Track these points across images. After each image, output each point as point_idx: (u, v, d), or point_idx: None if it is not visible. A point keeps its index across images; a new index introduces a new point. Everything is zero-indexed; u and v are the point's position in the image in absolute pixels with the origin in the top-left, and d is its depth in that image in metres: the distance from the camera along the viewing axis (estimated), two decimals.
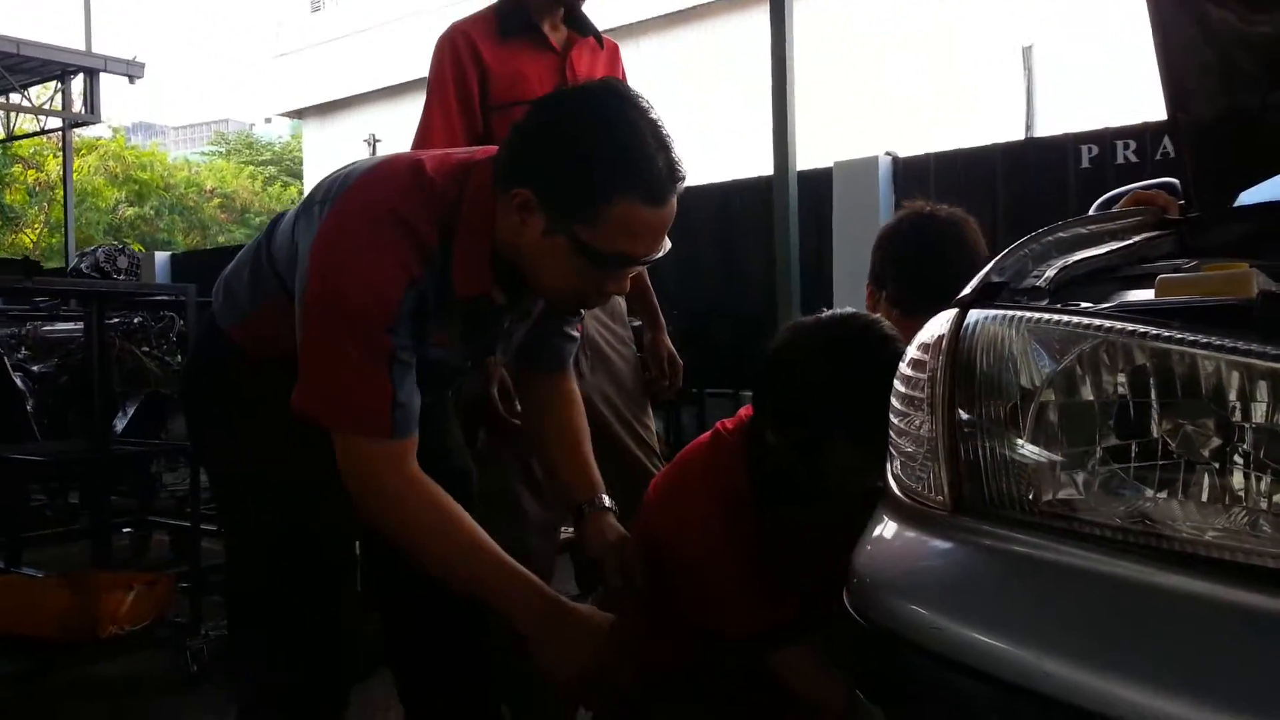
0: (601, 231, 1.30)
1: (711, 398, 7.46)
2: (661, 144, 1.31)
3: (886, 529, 1.01)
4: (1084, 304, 0.97)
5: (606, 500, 1.71)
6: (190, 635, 3.13)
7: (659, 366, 2.43)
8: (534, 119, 1.36)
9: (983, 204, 4.89)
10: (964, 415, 0.92)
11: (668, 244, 1.37)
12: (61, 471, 4.20)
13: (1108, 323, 0.87)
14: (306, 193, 1.50)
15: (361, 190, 1.40)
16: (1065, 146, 5.09)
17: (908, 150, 5.80)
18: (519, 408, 2.10)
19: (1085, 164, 5.02)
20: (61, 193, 12.66)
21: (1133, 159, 4.86)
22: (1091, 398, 0.86)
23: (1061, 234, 1.24)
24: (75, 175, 15.05)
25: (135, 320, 4.43)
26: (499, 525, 2.16)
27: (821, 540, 1.64)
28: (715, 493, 1.55)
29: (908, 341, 1.84)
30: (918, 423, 0.99)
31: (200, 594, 3.25)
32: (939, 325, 1.02)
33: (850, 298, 1.74)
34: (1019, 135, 9.08)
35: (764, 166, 5.33)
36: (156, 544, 5.07)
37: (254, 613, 1.57)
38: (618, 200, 1.28)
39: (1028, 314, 0.92)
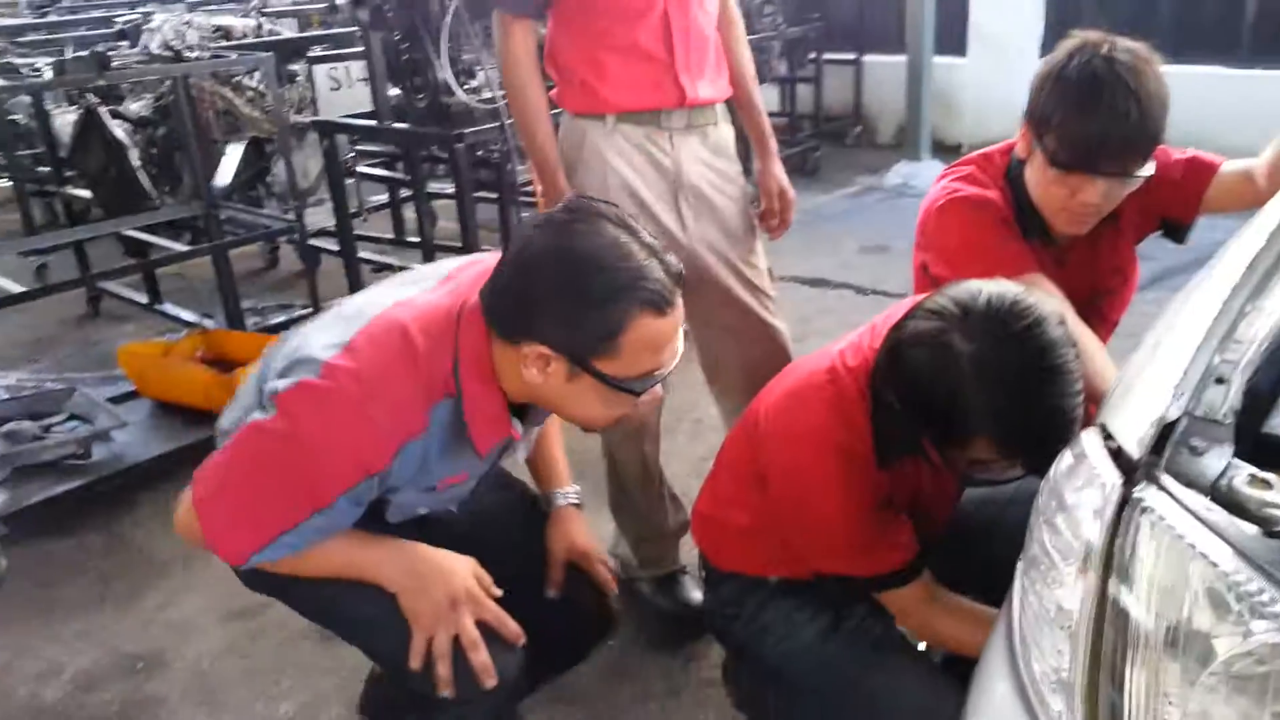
0: (625, 360, 1.29)
1: (830, 65, 7.01)
2: (649, 249, 1.29)
3: None
4: None
5: (572, 495, 1.76)
6: None
7: (769, 201, 2.24)
8: (509, 267, 1.31)
9: None
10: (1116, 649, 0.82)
11: (681, 343, 1.35)
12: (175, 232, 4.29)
13: None
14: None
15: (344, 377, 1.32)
16: None
17: None
18: None
19: None
20: None
21: None
22: None
23: None
24: None
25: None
26: None
27: (934, 481, 1.58)
28: (832, 446, 1.47)
29: (1064, 197, 1.66)
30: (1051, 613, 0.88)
31: None
32: (1093, 497, 0.88)
33: None
34: None
35: None
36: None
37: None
38: (631, 326, 1.26)
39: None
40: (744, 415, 1.74)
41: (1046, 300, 1.32)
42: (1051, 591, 0.91)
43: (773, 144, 2.26)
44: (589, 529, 1.78)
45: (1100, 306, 2.01)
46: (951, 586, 1.59)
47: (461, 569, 1.46)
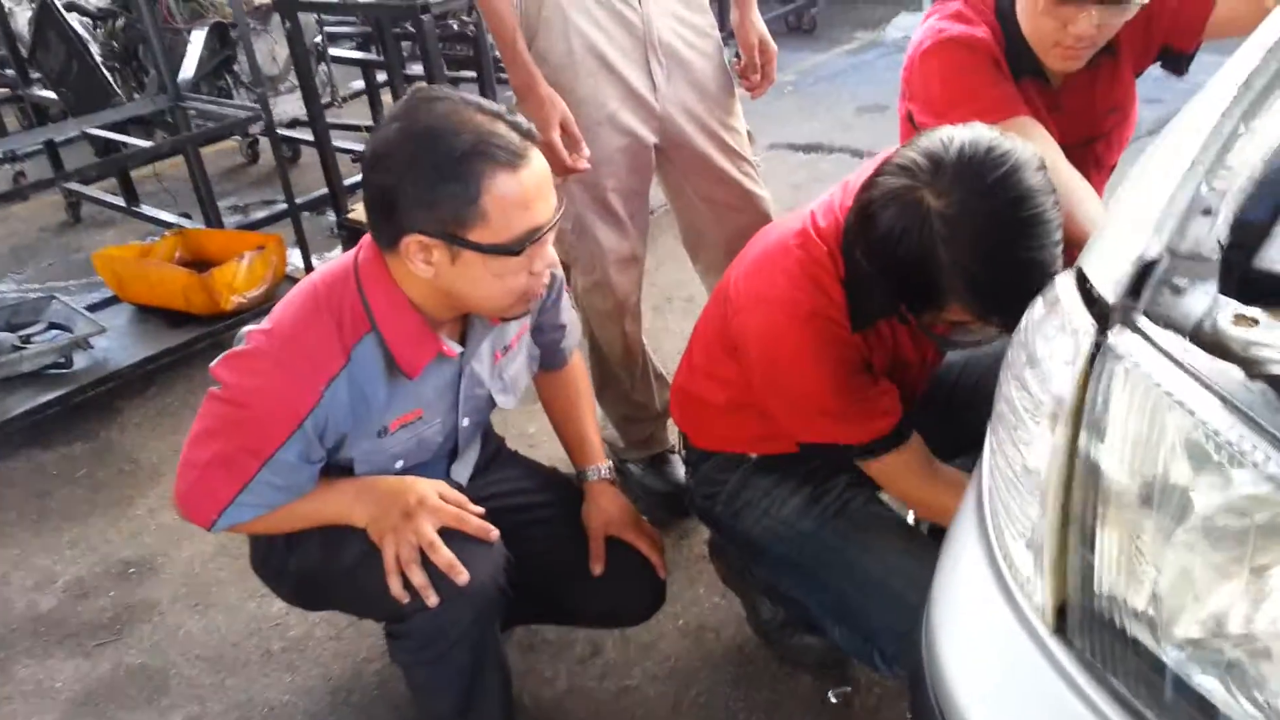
0: (495, 223, 1.27)
1: None
2: (492, 113, 1.29)
3: (964, 595, 0.87)
4: None
5: (604, 470, 1.75)
6: None
7: (749, 54, 2.09)
8: (366, 170, 1.31)
9: None
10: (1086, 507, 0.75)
11: (554, 198, 1.34)
12: (147, 132, 4.14)
13: None
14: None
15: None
16: None
17: None
18: (586, 150, 1.89)
19: None
20: None
21: None
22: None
23: None
24: None
25: None
26: (579, 259, 2.08)
27: (912, 344, 1.50)
28: (805, 312, 1.39)
29: (1056, 29, 1.54)
30: (1019, 467, 0.81)
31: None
32: (1065, 347, 0.80)
33: None
34: None
35: None
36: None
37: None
38: (487, 187, 1.25)
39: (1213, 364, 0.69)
40: (718, 285, 1.66)
41: (1023, 145, 1.20)
42: (1019, 451, 0.84)
43: None
44: (625, 501, 1.74)
45: (1096, 149, 1.89)
46: (939, 455, 1.53)
47: (415, 485, 1.46)
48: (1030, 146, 1.20)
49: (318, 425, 1.37)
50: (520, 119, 1.31)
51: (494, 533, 1.46)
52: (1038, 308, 0.87)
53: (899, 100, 1.91)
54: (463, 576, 1.39)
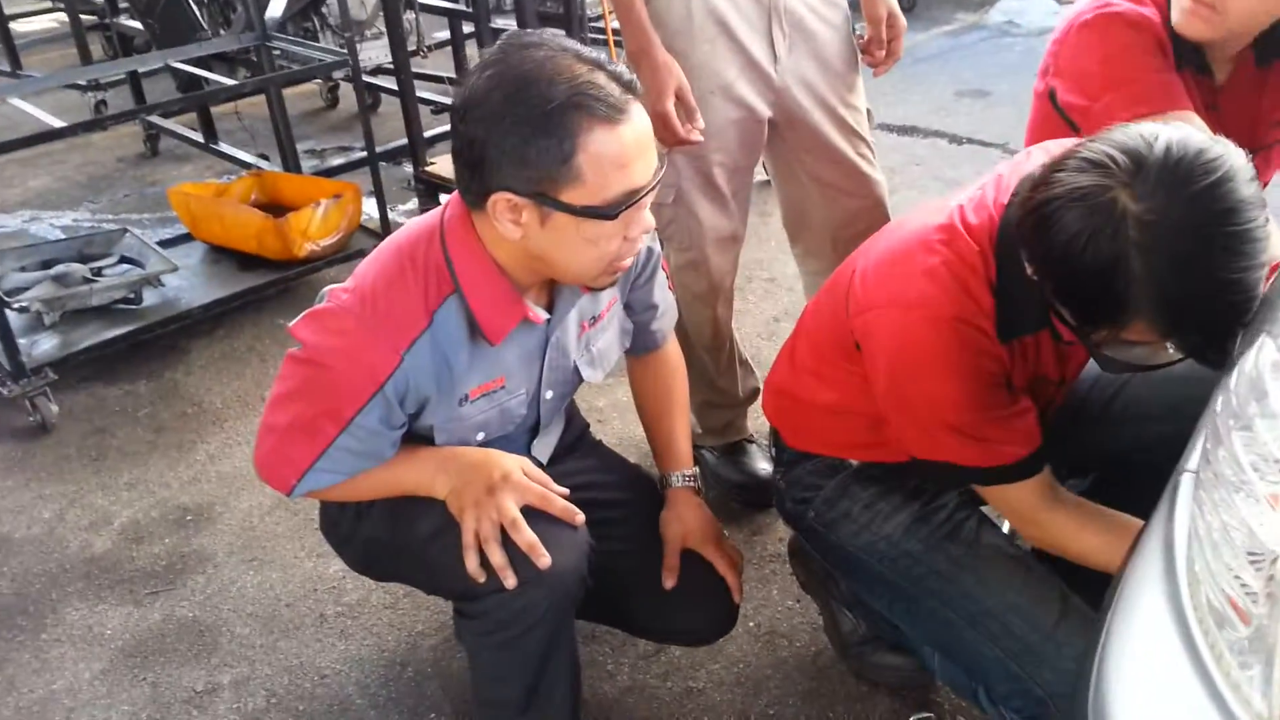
0: (591, 184, 1.17)
1: None
2: (591, 61, 1.18)
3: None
4: None
5: (689, 477, 1.64)
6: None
7: (875, 28, 1.94)
8: (458, 122, 1.20)
9: None
10: None
11: (655, 158, 1.23)
12: (231, 69, 4.08)
13: None
14: None
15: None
16: None
17: None
18: (700, 122, 1.76)
19: None
20: None
21: None
22: None
23: None
24: None
25: None
26: (675, 235, 1.96)
27: (1055, 359, 1.37)
28: (948, 318, 1.24)
29: None
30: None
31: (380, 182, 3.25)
32: None
33: None
34: None
35: None
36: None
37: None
38: (583, 143, 1.15)
39: None
40: (833, 278, 1.52)
41: (1236, 151, 1.05)
42: (1240, 512, 0.70)
43: None
44: (708, 514, 1.63)
45: (1253, 163, 1.72)
46: (1055, 470, 1.40)
47: (501, 459, 1.38)
48: (1243, 155, 1.05)
49: (398, 389, 1.29)
50: (622, 69, 1.20)
51: (580, 516, 1.37)
52: (1270, 350, 0.73)
53: (1038, 77, 1.75)
54: (544, 559, 1.30)
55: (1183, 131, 1.07)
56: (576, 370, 1.50)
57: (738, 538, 2.11)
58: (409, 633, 1.95)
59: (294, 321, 1.33)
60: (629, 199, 1.20)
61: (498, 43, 1.21)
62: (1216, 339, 1.07)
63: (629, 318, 1.60)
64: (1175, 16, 1.54)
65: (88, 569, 2.18)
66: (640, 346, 1.65)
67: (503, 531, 1.31)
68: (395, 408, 1.31)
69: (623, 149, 1.17)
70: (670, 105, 1.72)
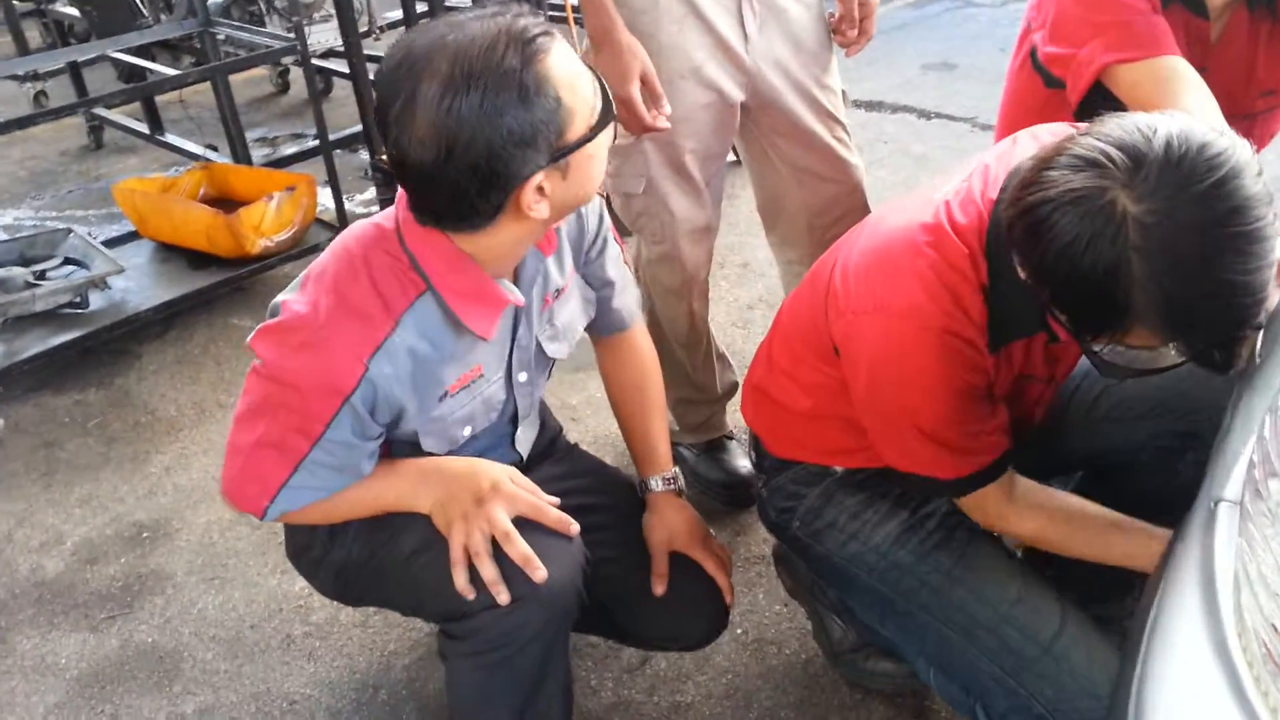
0: (579, 104, 1.13)
1: None
2: (477, 17, 1.11)
3: None
4: None
5: (670, 479, 1.57)
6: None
7: (847, 5, 1.85)
8: (439, 167, 1.09)
9: None
10: None
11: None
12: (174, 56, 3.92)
13: None
14: None
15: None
16: None
17: None
18: (667, 108, 1.67)
19: None
20: None
21: None
22: None
23: None
24: None
25: None
26: (647, 226, 1.87)
27: (1044, 359, 1.31)
28: (937, 327, 1.17)
29: None
30: None
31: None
32: None
33: None
34: None
35: None
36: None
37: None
38: (554, 79, 1.09)
39: None
40: (811, 274, 1.45)
41: (1241, 143, 0.98)
42: None
43: None
44: (693, 514, 1.56)
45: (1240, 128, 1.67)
46: (1038, 474, 1.35)
47: (489, 467, 1.30)
48: (1248, 146, 0.98)
49: (366, 399, 1.21)
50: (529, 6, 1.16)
51: (575, 527, 1.30)
52: None
53: (1016, 46, 1.68)
54: (540, 573, 1.22)
55: (1183, 123, 1.00)
56: (540, 348, 1.43)
57: (721, 539, 2.03)
58: (381, 653, 1.87)
59: (251, 335, 1.24)
60: (603, 90, 1.18)
61: (392, 67, 1.10)
62: (1223, 343, 1.01)
63: (591, 288, 1.52)
64: None
65: (39, 593, 2.08)
66: (605, 326, 1.57)
67: (494, 544, 1.24)
68: (366, 418, 1.23)
69: (571, 55, 1.14)
70: (635, 90, 1.63)
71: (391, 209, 1.27)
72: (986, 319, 1.18)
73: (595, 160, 1.19)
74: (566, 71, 1.12)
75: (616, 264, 1.52)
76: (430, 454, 1.34)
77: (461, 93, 1.06)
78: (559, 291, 1.42)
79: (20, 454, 2.50)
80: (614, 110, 1.19)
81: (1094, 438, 1.54)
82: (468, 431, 1.36)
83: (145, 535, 2.21)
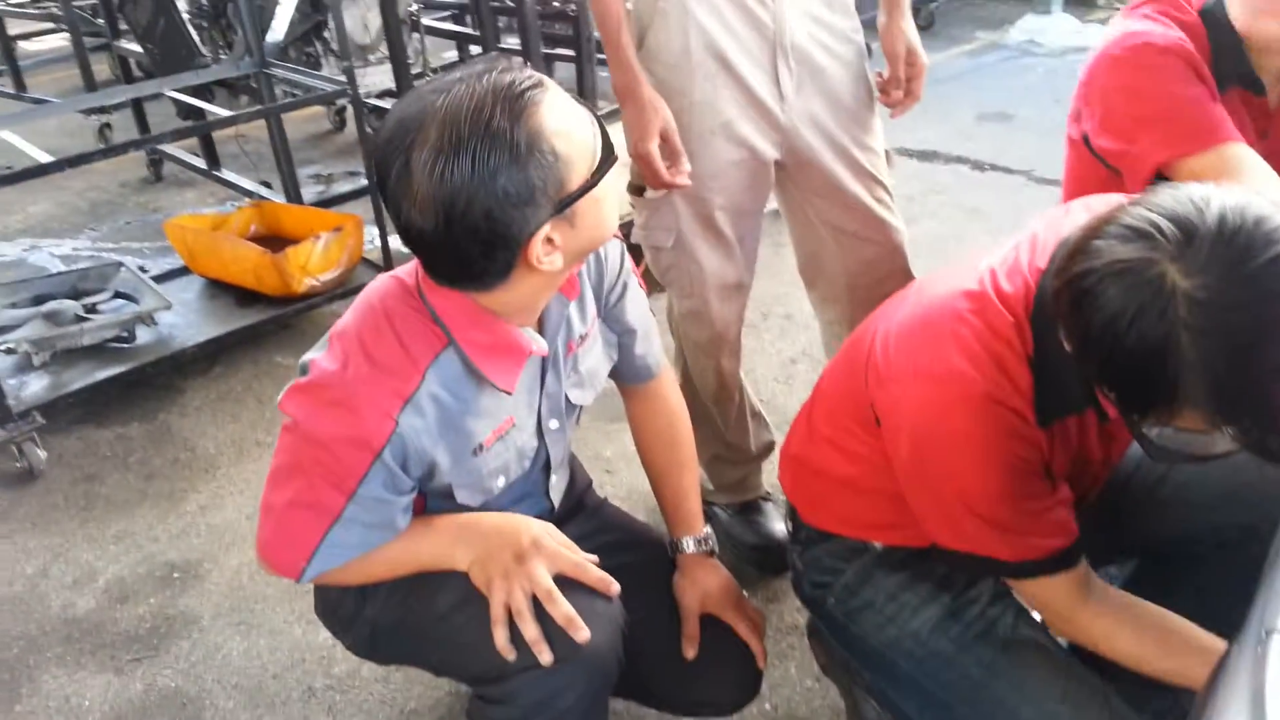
0: (575, 151, 1.10)
1: None
2: (471, 74, 1.10)
3: None
4: None
5: (701, 539, 1.53)
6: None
7: (894, 66, 1.82)
8: (445, 230, 1.07)
9: None
10: None
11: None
12: (232, 93, 3.99)
13: None
14: None
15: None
16: None
17: None
18: (686, 165, 1.65)
19: None
20: None
21: None
22: None
23: None
24: None
25: None
26: (676, 280, 1.85)
27: (1099, 439, 1.25)
28: (979, 396, 1.12)
29: None
30: None
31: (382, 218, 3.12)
32: None
33: None
34: None
35: None
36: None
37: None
38: (549, 130, 1.07)
39: None
40: (851, 339, 1.41)
41: None
42: None
43: None
44: (726, 576, 1.52)
45: None
46: (1093, 557, 1.28)
47: (527, 525, 1.27)
48: None
49: (397, 454, 1.19)
50: (519, 71, 1.13)
51: (615, 586, 1.26)
52: None
53: (1069, 121, 1.63)
54: (583, 634, 1.19)
55: (1239, 197, 0.95)
56: (566, 396, 1.40)
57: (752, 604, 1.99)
58: (401, 710, 1.84)
59: (281, 395, 1.23)
60: (603, 131, 1.16)
61: (388, 144, 1.08)
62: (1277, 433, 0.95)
63: (613, 334, 1.50)
64: (1242, 19, 1.42)
65: (68, 631, 2.08)
66: (630, 375, 1.54)
67: (535, 603, 1.21)
68: (398, 472, 1.21)
69: (564, 103, 1.12)
70: (654, 147, 1.62)
71: (412, 263, 1.25)
72: (1033, 390, 1.12)
73: (604, 203, 1.17)
74: (560, 122, 1.09)
75: (637, 309, 1.49)
76: (465, 506, 1.32)
77: (452, 159, 1.04)
78: (582, 338, 1.39)
79: (61, 487, 2.52)
80: (615, 153, 1.16)
81: (1153, 525, 1.47)
82: (501, 482, 1.34)
83: (176, 576, 2.21)
